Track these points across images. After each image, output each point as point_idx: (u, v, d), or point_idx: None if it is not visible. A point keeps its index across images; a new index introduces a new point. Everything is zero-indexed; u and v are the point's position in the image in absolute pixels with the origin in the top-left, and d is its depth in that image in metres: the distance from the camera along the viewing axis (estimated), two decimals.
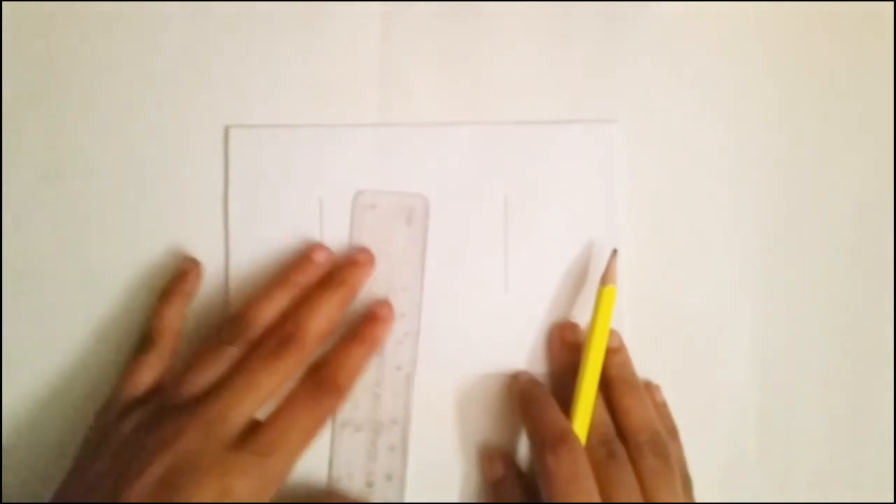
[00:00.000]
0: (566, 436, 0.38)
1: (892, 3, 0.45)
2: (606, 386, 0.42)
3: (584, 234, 0.44)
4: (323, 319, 0.40)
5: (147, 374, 0.40)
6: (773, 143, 0.45)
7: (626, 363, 0.42)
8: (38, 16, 0.44)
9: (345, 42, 0.45)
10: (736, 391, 0.44)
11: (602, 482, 0.38)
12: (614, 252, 0.42)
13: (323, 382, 0.39)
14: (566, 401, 0.41)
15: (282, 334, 0.39)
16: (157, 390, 0.40)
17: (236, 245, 0.44)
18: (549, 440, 0.38)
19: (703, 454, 0.43)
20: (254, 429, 0.37)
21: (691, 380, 0.44)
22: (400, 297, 0.43)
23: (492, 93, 0.44)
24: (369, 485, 0.43)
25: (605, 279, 0.41)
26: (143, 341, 0.41)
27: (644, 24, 0.45)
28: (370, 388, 0.43)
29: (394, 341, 0.43)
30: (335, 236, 0.44)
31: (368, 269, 0.43)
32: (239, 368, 0.38)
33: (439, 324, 0.43)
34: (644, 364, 0.43)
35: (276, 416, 0.37)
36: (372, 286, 0.43)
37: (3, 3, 0.44)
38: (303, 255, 0.43)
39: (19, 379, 0.43)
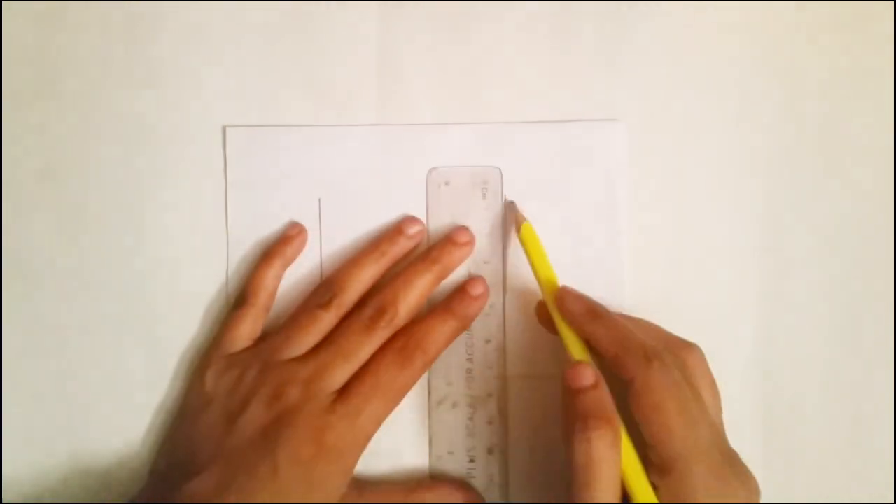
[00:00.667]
0: (607, 416, 0.36)
1: (893, 3, 0.45)
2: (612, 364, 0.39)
3: (584, 233, 0.44)
4: (415, 295, 0.41)
5: (244, 330, 0.42)
6: (774, 143, 0.44)
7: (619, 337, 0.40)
8: (37, 16, 0.44)
9: (343, 42, 0.44)
10: (738, 392, 0.44)
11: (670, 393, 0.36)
12: (511, 203, 0.43)
13: (409, 348, 0.40)
14: None
15: (376, 307, 0.41)
16: (255, 346, 0.42)
17: (236, 245, 0.44)
18: (589, 417, 0.36)
19: None
20: (345, 389, 0.39)
21: None
22: (483, 270, 0.43)
23: (491, 92, 0.44)
24: (472, 460, 0.43)
25: (519, 220, 0.41)
26: (241, 299, 0.42)
27: (645, 24, 0.44)
28: (462, 363, 0.43)
29: (481, 314, 0.43)
30: (334, 236, 0.43)
31: (466, 249, 0.43)
32: (335, 335, 0.41)
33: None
34: None
35: (363, 378, 0.39)
36: None
37: (3, 3, 0.44)
38: (395, 227, 0.43)
39: (17, 378, 0.43)
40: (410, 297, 0.41)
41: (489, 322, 0.43)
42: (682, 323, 0.43)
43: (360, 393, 0.39)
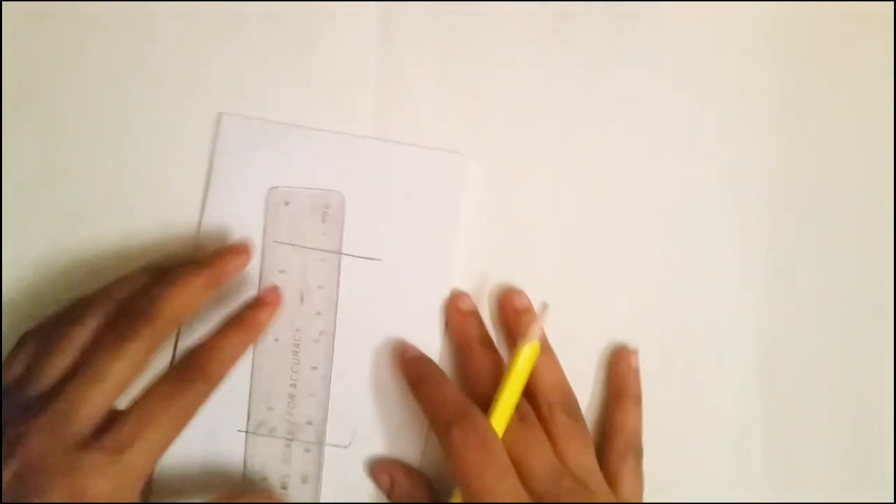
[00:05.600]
0: (467, 410, 0.37)
1: (893, 3, 0.45)
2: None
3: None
4: (187, 300, 0.37)
5: None
6: (774, 145, 0.45)
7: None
8: (37, 16, 0.44)
9: (342, 42, 0.44)
10: (740, 394, 0.44)
11: (513, 444, 0.37)
12: (545, 306, 0.40)
13: (189, 369, 0.36)
14: (460, 369, 0.41)
15: (131, 311, 0.36)
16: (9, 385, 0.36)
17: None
18: (450, 417, 0.37)
19: (709, 456, 0.44)
20: (111, 422, 0.34)
21: (696, 383, 0.44)
22: (315, 295, 0.42)
23: (491, 94, 0.44)
24: (283, 487, 0.42)
25: (528, 335, 0.39)
26: None
27: (646, 24, 0.45)
28: (285, 388, 0.42)
29: (309, 339, 0.42)
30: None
31: (244, 257, 0.41)
32: (85, 356, 0.35)
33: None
34: (648, 367, 0.43)
35: (133, 407, 0.34)
36: (287, 284, 0.42)
37: (3, 3, 0.45)
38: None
39: None
40: (175, 300, 0.36)
41: (317, 349, 0.42)
42: (682, 324, 0.44)
43: (131, 423, 0.34)
